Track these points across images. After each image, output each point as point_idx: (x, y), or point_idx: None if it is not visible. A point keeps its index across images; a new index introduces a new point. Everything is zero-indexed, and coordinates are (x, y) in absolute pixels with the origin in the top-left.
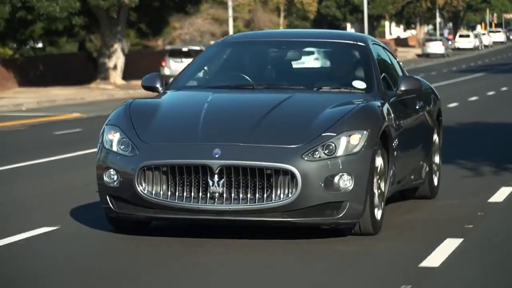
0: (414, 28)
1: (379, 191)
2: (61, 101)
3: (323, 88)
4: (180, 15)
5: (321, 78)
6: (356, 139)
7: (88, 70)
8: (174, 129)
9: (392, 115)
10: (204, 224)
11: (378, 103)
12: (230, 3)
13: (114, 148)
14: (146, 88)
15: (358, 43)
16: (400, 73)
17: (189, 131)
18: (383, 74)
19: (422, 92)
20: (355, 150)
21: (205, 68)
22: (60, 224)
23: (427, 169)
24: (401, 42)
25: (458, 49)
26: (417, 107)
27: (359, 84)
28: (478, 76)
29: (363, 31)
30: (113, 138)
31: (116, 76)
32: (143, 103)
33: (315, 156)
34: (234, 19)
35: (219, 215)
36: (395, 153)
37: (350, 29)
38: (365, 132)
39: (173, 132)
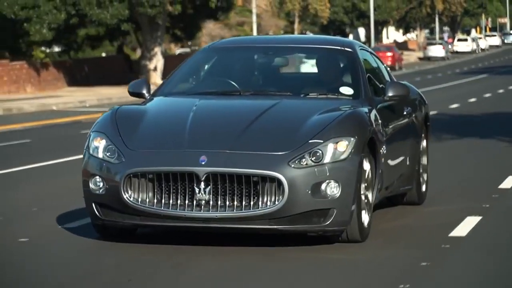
0: (412, 32)
1: (366, 198)
2: (116, 99)
3: (310, 94)
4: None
5: (308, 84)
6: (343, 146)
7: (125, 71)
8: (161, 136)
9: (380, 121)
10: (190, 231)
11: (366, 110)
12: (254, 10)
13: (100, 155)
14: (132, 94)
15: (346, 48)
16: (388, 79)
17: (175, 138)
18: (371, 80)
19: (410, 98)
20: (342, 157)
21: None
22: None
23: (415, 175)
24: (401, 46)
25: (457, 52)
26: (405, 113)
27: (346, 90)
28: (482, 78)
29: (369, 36)
30: (99, 144)
31: (156, 77)
32: (129, 109)
33: (302, 163)
34: (241, 24)
35: (205, 223)
36: (383, 159)
37: (350, 35)
38: (352, 138)
39: (159, 139)
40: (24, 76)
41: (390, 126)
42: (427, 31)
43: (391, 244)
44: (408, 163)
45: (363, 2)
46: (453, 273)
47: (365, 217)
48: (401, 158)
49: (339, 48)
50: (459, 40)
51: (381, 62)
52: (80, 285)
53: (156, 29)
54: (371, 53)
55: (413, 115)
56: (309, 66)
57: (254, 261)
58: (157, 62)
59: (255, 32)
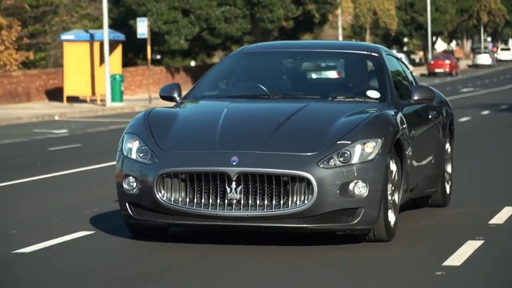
0: (453, 42)
1: (393, 198)
2: None
3: (337, 97)
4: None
5: (335, 88)
6: (371, 147)
7: None
8: (192, 137)
9: (406, 124)
10: (222, 230)
11: (392, 112)
12: (340, 23)
13: (134, 156)
14: (163, 98)
15: (372, 53)
16: (413, 83)
17: (207, 139)
18: (397, 84)
19: (435, 103)
20: (370, 157)
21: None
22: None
23: (440, 177)
24: None
25: (500, 60)
26: (430, 116)
27: (373, 94)
28: None
29: (426, 46)
30: (132, 146)
31: None
32: (162, 112)
33: (330, 163)
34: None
35: (236, 221)
36: (409, 161)
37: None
38: (379, 140)
39: (191, 140)
40: (163, 80)
41: (416, 129)
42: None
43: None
44: (433, 165)
45: (421, 16)
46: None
47: (392, 217)
48: (426, 160)
49: (366, 53)
50: (502, 49)
51: (406, 67)
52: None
53: (266, 40)
54: (396, 58)
55: (438, 119)
56: (329, 73)
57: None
58: None
59: None
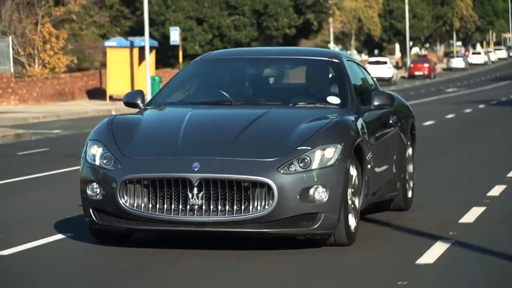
0: (426, 47)
1: (353, 203)
2: None
3: (298, 103)
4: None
5: (296, 94)
6: (331, 153)
7: None
8: (155, 143)
9: (366, 129)
10: (184, 235)
11: (352, 118)
12: (331, 30)
13: (97, 162)
14: (127, 104)
15: (333, 59)
16: (374, 89)
17: (169, 146)
18: (358, 89)
19: (396, 107)
20: (330, 163)
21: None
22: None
23: (401, 181)
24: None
25: (471, 64)
26: (391, 121)
27: (334, 100)
28: (498, 85)
29: (405, 50)
30: (96, 152)
31: None
32: (125, 118)
33: (290, 169)
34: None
35: (198, 227)
36: (369, 166)
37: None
38: (339, 145)
39: (153, 147)
40: None
41: (377, 134)
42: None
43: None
44: (394, 170)
45: (399, 22)
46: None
47: (352, 221)
48: (387, 165)
49: (327, 59)
50: (473, 53)
51: (368, 72)
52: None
53: (270, 45)
54: (357, 64)
55: (399, 124)
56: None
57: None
58: None
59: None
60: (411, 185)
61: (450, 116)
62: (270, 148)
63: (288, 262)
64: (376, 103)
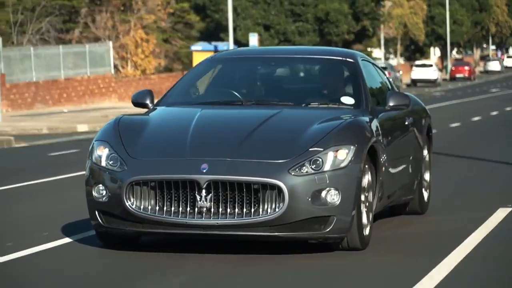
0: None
1: (366, 206)
2: None
3: (311, 104)
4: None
5: (309, 94)
6: (343, 154)
7: None
8: (163, 144)
9: (381, 130)
10: (192, 238)
11: (366, 119)
12: (382, 35)
13: (103, 164)
14: (136, 104)
15: (347, 59)
16: (390, 89)
17: (177, 147)
18: (373, 90)
19: (412, 109)
20: (342, 165)
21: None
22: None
23: (417, 184)
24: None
25: (506, 67)
26: (407, 123)
27: (348, 100)
28: None
29: (445, 54)
30: (102, 153)
31: None
32: (132, 119)
33: (302, 171)
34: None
35: (207, 230)
36: (383, 168)
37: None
38: (352, 147)
39: (161, 148)
40: None
41: (392, 136)
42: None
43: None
44: (410, 172)
45: (440, 28)
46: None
47: (366, 225)
48: (402, 167)
49: (341, 58)
50: (508, 57)
51: (383, 72)
52: None
53: None
54: (373, 64)
55: (415, 125)
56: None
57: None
58: None
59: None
60: (427, 188)
61: (494, 113)
62: (281, 149)
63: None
64: (391, 103)
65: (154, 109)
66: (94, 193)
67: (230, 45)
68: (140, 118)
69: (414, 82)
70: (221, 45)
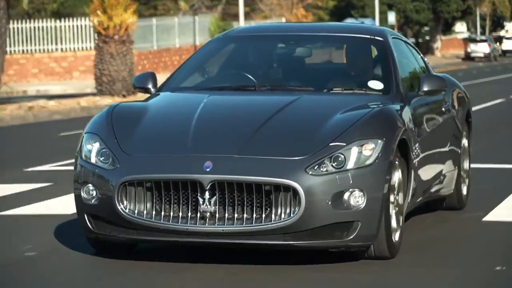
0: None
1: (396, 208)
2: None
3: (334, 89)
4: None
5: (333, 77)
6: (369, 150)
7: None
8: (161, 138)
9: (413, 119)
10: (194, 246)
11: (397, 107)
12: (477, 12)
13: (93, 160)
14: (137, 88)
15: (376, 37)
16: (425, 72)
17: (177, 141)
18: (405, 72)
19: (450, 92)
20: (368, 162)
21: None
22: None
23: (455, 177)
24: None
25: None
26: (443, 109)
27: (376, 85)
28: None
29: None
30: (92, 148)
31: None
32: (128, 107)
33: (321, 169)
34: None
35: (211, 238)
36: (416, 162)
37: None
38: (379, 141)
39: (159, 142)
40: None
41: (426, 125)
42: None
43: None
44: (447, 164)
45: None
46: None
47: (395, 230)
48: (439, 160)
49: (369, 37)
50: None
51: (418, 52)
52: None
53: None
54: (406, 42)
55: (453, 111)
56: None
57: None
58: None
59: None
60: (467, 181)
61: None
62: (296, 144)
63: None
64: (425, 88)
65: (156, 95)
66: (83, 194)
67: (376, 20)
68: (137, 106)
69: (504, 53)
70: (367, 21)
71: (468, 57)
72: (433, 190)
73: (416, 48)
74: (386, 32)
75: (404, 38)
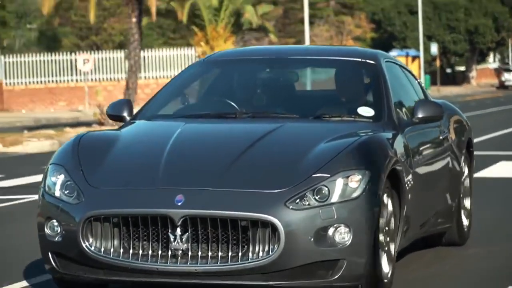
0: None
1: (387, 244)
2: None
3: (321, 116)
4: None
5: (320, 103)
6: (356, 181)
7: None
8: (130, 170)
9: (407, 148)
10: (166, 287)
11: (389, 135)
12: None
13: (57, 193)
14: (111, 117)
15: (368, 61)
16: (421, 98)
17: (147, 173)
18: (399, 98)
19: (448, 120)
20: (355, 194)
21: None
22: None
23: (455, 210)
24: None
25: None
26: (441, 137)
27: (366, 111)
28: None
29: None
30: (57, 180)
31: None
32: (97, 136)
33: (303, 203)
34: None
35: (183, 278)
36: (410, 195)
37: None
38: (367, 171)
39: (127, 174)
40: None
41: (422, 154)
42: None
43: None
44: (446, 196)
45: None
46: None
47: (386, 269)
48: (437, 191)
49: (360, 60)
50: None
51: (414, 77)
52: None
53: (473, 54)
54: (400, 66)
55: (452, 140)
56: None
57: None
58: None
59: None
60: (468, 214)
61: None
62: (277, 175)
63: None
64: (420, 115)
65: (130, 123)
66: (47, 230)
67: (421, 51)
68: (107, 135)
69: None
70: (411, 51)
71: (502, 86)
72: (431, 223)
73: (413, 73)
74: (379, 55)
75: (399, 62)
